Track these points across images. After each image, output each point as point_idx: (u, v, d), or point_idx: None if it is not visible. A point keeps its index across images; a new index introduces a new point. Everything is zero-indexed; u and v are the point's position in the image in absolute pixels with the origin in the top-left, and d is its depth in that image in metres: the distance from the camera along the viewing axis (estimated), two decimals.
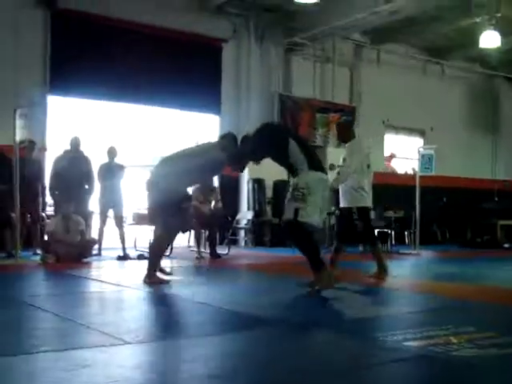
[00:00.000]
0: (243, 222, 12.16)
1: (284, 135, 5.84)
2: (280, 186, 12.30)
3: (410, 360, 3.19)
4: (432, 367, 3.09)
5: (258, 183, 12.18)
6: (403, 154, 14.84)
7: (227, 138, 6.20)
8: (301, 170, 5.46)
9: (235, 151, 5.98)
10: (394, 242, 11.61)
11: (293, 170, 5.56)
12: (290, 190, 5.52)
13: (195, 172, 6.05)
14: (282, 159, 5.64)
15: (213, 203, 9.80)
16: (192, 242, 10.28)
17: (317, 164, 5.62)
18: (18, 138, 8.13)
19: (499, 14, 11.52)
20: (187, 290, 5.87)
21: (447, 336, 3.62)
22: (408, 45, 14.12)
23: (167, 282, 6.11)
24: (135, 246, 9.79)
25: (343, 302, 5.27)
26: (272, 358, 3.19)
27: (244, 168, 6.70)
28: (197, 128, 12.46)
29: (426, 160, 11.05)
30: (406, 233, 12.29)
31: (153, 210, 6.30)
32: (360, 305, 5.22)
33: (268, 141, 5.75)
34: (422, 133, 15.13)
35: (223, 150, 5.97)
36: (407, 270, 8.87)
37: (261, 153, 5.80)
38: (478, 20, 11.90)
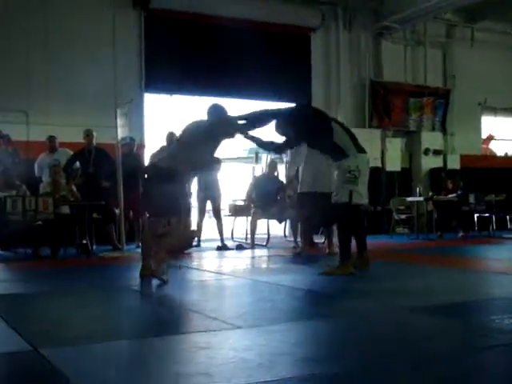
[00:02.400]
0: None
1: (327, 118, 5.83)
2: (374, 174, 12.17)
3: None
4: None
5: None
6: (502, 135, 14.26)
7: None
8: (349, 152, 5.55)
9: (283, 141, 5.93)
10: (495, 226, 11.23)
11: (339, 153, 5.58)
12: (341, 172, 5.60)
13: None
14: (326, 143, 5.62)
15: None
16: (288, 232, 10.35)
17: (361, 146, 5.73)
18: (119, 136, 8.48)
19: None
20: (287, 277, 5.92)
21: None
22: (504, 21, 13.49)
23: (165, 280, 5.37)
24: (232, 237, 9.98)
25: (449, 284, 5.15)
26: (374, 342, 3.19)
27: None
28: None
29: None
30: (507, 217, 11.83)
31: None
32: (469, 287, 5.09)
33: (312, 124, 5.70)
34: None
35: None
36: (510, 254, 8.55)
37: (300, 137, 5.79)
38: None
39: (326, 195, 6.46)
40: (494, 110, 14.20)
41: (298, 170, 8.32)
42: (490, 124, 14.27)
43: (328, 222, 7.74)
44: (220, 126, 5.71)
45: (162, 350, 3.09)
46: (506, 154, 14.14)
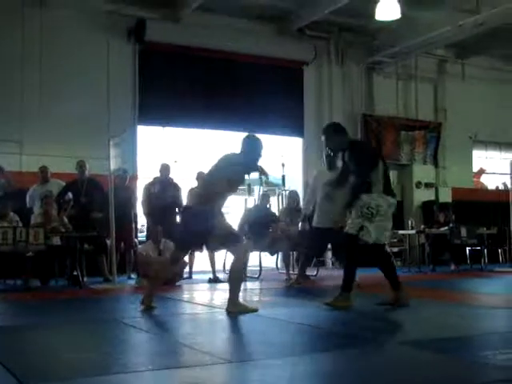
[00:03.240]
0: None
1: (377, 155, 6.03)
2: None
3: None
4: None
5: None
6: (494, 169, 14.37)
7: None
8: (375, 190, 5.60)
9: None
10: (487, 259, 11.23)
11: (365, 189, 5.61)
12: (358, 206, 5.59)
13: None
14: (363, 176, 5.64)
15: (300, 224, 9.81)
16: (280, 264, 10.31)
17: (390, 189, 5.81)
18: (112, 167, 8.48)
19: None
20: (280, 310, 5.89)
21: None
22: (494, 57, 13.73)
23: (255, 309, 5.58)
24: (224, 269, 9.91)
25: (437, 319, 5.12)
26: (367, 378, 3.16)
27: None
28: (281, 151, 12.57)
29: None
30: (499, 250, 11.85)
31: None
32: (457, 322, 5.06)
33: (365, 157, 5.75)
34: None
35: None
36: (503, 288, 8.55)
37: (354, 167, 5.72)
38: None
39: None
40: (485, 144, 14.35)
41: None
42: (481, 158, 14.39)
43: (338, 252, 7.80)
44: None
45: None
46: (497, 187, 14.23)
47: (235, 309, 5.44)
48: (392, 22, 9.99)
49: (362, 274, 6.57)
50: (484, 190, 13.95)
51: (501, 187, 14.01)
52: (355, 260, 5.76)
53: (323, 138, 6.06)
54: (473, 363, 3.43)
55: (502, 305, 6.29)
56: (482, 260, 11.05)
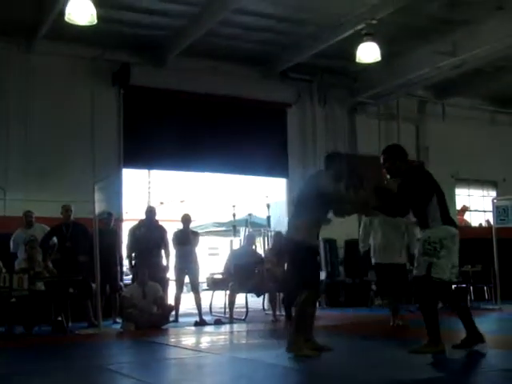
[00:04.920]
0: None
1: (433, 184, 5.56)
2: (352, 246, 12.26)
3: None
4: None
5: (330, 243, 12.14)
6: (476, 206, 14.51)
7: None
8: (433, 222, 5.31)
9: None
10: (473, 297, 11.25)
11: (424, 222, 5.38)
12: (420, 242, 5.36)
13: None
14: (419, 209, 5.41)
15: (286, 265, 9.82)
16: (267, 305, 10.27)
17: (449, 218, 5.47)
18: (96, 210, 8.48)
19: None
20: (267, 353, 5.85)
21: None
22: (473, 97, 14.00)
23: (318, 355, 5.30)
24: (211, 311, 9.87)
25: (422, 361, 5.08)
26: None
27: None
28: (266, 191, 12.66)
29: (501, 211, 10.80)
30: (485, 288, 11.88)
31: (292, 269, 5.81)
32: (448, 362, 5.05)
33: (423, 183, 5.45)
34: (494, 184, 14.81)
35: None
36: (489, 327, 8.53)
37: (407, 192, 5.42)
38: None
39: (400, 266, 6.41)
40: (467, 182, 14.52)
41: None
42: (464, 196, 14.55)
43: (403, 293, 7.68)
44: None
45: None
46: (480, 224, 14.35)
47: (296, 351, 5.25)
48: (373, 64, 10.19)
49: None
50: (468, 228, 14.06)
51: (484, 224, 14.13)
52: (431, 302, 5.30)
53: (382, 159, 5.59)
54: None
55: (488, 344, 6.28)
56: (468, 298, 11.07)
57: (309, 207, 5.37)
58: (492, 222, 11.29)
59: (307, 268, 5.39)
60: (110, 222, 9.44)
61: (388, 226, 7.51)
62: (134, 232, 9.37)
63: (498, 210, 10.82)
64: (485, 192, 14.88)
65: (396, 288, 7.63)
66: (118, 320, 8.88)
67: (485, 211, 13.89)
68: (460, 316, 5.41)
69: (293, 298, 9.18)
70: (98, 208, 8.52)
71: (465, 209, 14.34)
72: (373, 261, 7.86)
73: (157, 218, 9.71)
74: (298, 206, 5.56)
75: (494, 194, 14.47)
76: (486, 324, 8.71)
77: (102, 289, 8.59)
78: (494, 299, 11.00)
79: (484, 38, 9.81)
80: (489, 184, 14.87)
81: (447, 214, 5.45)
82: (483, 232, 12.59)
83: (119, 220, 10.38)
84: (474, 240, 12.50)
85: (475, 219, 14.65)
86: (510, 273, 12.90)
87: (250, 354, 5.82)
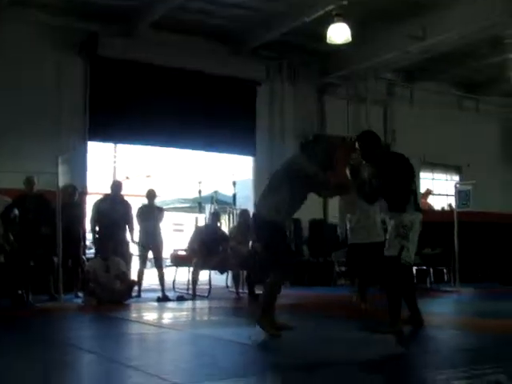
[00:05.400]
0: None
1: (412, 169, 5.66)
2: (316, 226, 12.36)
3: None
4: None
5: (294, 223, 12.19)
6: (440, 190, 14.73)
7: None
8: (409, 206, 5.45)
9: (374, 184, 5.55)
10: (433, 279, 11.47)
11: (401, 206, 5.47)
12: (395, 225, 5.46)
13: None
14: (400, 191, 5.48)
15: (250, 243, 9.86)
16: (230, 282, 10.31)
17: (418, 205, 5.67)
18: (60, 183, 8.36)
19: None
20: (228, 330, 5.89)
21: (493, 374, 3.57)
22: (441, 81, 14.15)
23: (279, 334, 5.20)
24: (174, 287, 9.87)
25: (382, 341, 5.18)
26: None
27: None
28: (233, 169, 12.64)
29: (463, 196, 10.99)
30: (444, 270, 12.11)
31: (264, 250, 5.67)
32: (401, 343, 5.15)
33: (403, 169, 5.55)
34: (458, 169, 15.04)
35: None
36: (448, 308, 8.75)
37: (386, 178, 5.49)
38: (511, 56, 11.92)
39: (378, 245, 6.39)
40: (432, 166, 14.71)
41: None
42: (429, 179, 14.74)
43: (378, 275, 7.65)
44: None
45: None
46: (443, 208, 14.58)
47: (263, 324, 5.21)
48: (343, 45, 10.19)
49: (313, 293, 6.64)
50: (430, 211, 14.26)
51: (446, 208, 14.36)
52: (398, 283, 5.45)
53: (357, 145, 5.69)
54: (412, 382, 3.51)
55: (445, 324, 6.43)
56: (428, 280, 11.28)
57: (288, 188, 5.27)
58: (454, 206, 11.49)
59: (281, 249, 5.34)
60: (74, 195, 9.31)
61: (366, 205, 7.36)
62: (98, 205, 9.27)
63: (460, 195, 11.01)
64: (448, 176, 15.10)
65: (369, 269, 7.65)
66: (80, 294, 8.82)
67: (448, 195, 14.10)
68: (406, 297, 5.54)
69: (257, 276, 9.29)
70: (62, 181, 8.41)
71: (428, 192, 14.52)
72: (349, 241, 7.76)
73: (122, 192, 9.63)
74: (276, 185, 5.39)
75: (457, 178, 14.70)
76: (444, 305, 8.94)
77: (64, 262, 8.50)
78: (452, 281, 11.22)
79: (453, 24, 9.90)
80: (453, 169, 15.10)
81: (417, 202, 5.66)
82: (445, 216, 12.79)
83: (83, 193, 10.25)
84: (436, 223, 12.69)
85: (438, 203, 14.87)
86: (469, 256, 13.22)
87: (211, 330, 5.85)
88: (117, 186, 9.56)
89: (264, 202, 5.45)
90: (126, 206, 9.40)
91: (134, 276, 9.22)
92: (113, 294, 8.22)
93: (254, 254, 9.59)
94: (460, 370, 3.76)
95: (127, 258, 9.21)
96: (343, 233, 7.88)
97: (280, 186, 5.32)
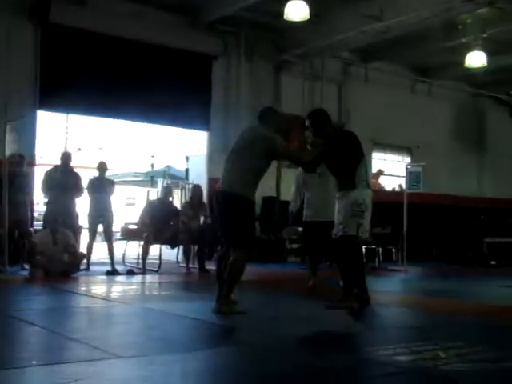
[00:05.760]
0: None
1: (361, 147, 5.71)
2: (269, 203, 12.39)
3: (401, 374, 3.22)
4: (422, 381, 3.13)
5: None
6: (391, 171, 14.95)
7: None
8: (359, 184, 5.48)
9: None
10: (381, 258, 11.67)
11: (351, 183, 5.51)
12: (348, 203, 5.47)
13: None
14: (350, 169, 5.51)
15: (202, 218, 9.84)
16: (181, 257, 10.27)
17: (368, 182, 5.74)
18: (7, 151, 8.14)
19: (485, 35, 11.72)
20: (177, 305, 5.88)
21: (436, 351, 3.67)
22: (396, 63, 14.29)
23: (243, 312, 5.13)
24: (124, 261, 9.78)
25: (330, 317, 5.27)
26: (260, 374, 3.22)
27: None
28: (186, 144, 12.54)
29: (413, 177, 11.16)
30: (393, 250, 12.34)
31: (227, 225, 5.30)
32: (348, 320, 5.24)
33: (353, 147, 5.59)
34: (409, 150, 15.27)
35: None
36: (395, 286, 8.93)
37: (336, 155, 5.54)
38: (464, 40, 12.10)
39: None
40: (384, 147, 14.89)
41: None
42: (381, 160, 14.93)
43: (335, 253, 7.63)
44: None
45: (33, 381, 2.94)
46: (394, 189, 14.81)
47: (224, 309, 5.06)
48: (300, 22, 10.15)
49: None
50: (380, 192, 14.47)
51: (397, 189, 14.59)
52: (356, 261, 5.57)
53: (308, 123, 5.66)
54: (357, 359, 3.57)
55: (391, 303, 6.56)
56: (377, 259, 11.48)
57: (257, 161, 5.13)
58: (404, 187, 11.68)
59: (247, 225, 5.20)
60: (22, 164, 9.08)
61: (323, 183, 7.30)
62: (49, 175, 9.06)
63: (411, 176, 11.18)
64: (400, 157, 15.33)
65: (323, 247, 7.67)
66: (26, 266, 8.65)
67: (398, 176, 14.32)
68: (357, 274, 5.65)
69: (209, 251, 9.28)
70: (9, 149, 8.20)
71: (380, 173, 14.71)
72: (305, 218, 7.71)
73: (73, 164, 9.45)
74: (244, 158, 5.16)
75: (408, 160, 14.92)
76: (391, 284, 9.12)
77: (10, 233, 8.31)
78: (400, 261, 11.45)
79: (409, 6, 9.96)
80: (404, 150, 15.32)
81: (368, 179, 5.74)
82: (395, 196, 13.00)
83: (32, 164, 10.01)
84: (387, 204, 12.92)
85: (389, 184, 15.10)
86: (417, 236, 13.52)
87: (160, 305, 5.82)
88: (66, 156, 9.36)
89: (234, 177, 5.17)
90: (76, 178, 9.23)
91: (83, 249, 9.09)
92: (60, 267, 8.09)
93: (207, 229, 9.60)
94: (403, 346, 3.84)
95: (76, 230, 9.06)
96: (294, 211, 7.88)
97: (249, 160, 5.13)
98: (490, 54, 12.27)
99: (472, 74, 14.40)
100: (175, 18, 11.63)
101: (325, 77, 13.42)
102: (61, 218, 8.43)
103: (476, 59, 12.19)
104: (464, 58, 12.33)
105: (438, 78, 15.10)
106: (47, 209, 9.02)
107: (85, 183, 9.29)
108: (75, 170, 9.46)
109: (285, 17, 9.80)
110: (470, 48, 12.17)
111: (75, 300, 6.40)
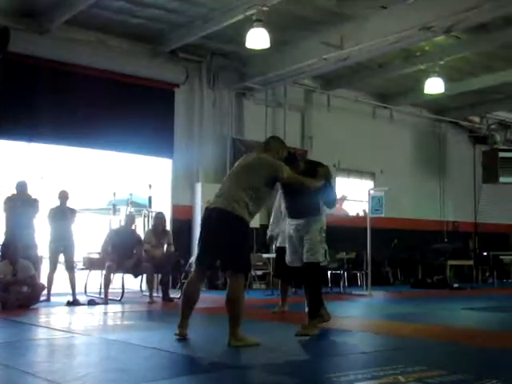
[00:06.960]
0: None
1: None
2: None
3: None
4: None
5: None
6: (354, 196, 15.08)
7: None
8: (321, 210, 5.73)
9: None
10: (346, 283, 11.71)
11: (317, 210, 5.69)
12: (316, 229, 5.62)
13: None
14: (317, 196, 5.65)
15: (165, 246, 9.76)
16: (144, 286, 10.14)
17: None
18: None
19: (442, 62, 12.02)
20: (139, 335, 5.78)
21: (396, 375, 3.67)
22: (357, 90, 14.52)
23: (258, 343, 4.91)
24: (85, 292, 9.61)
25: (293, 344, 5.25)
26: None
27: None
28: (149, 171, 12.46)
29: (376, 202, 11.25)
30: (358, 274, 12.40)
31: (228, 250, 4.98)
32: (310, 346, 5.21)
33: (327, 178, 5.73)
34: (372, 175, 15.44)
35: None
36: (359, 311, 8.94)
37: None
38: (422, 67, 12.39)
39: None
40: (348, 172, 15.04)
41: None
42: (343, 185, 15.05)
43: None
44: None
45: None
46: (358, 213, 14.94)
47: (238, 342, 4.81)
48: (262, 50, 10.25)
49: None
50: (344, 216, 14.57)
51: (361, 214, 14.71)
52: (321, 286, 5.80)
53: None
54: None
55: (354, 328, 6.56)
56: (342, 283, 11.51)
57: (255, 181, 4.99)
58: (367, 212, 11.78)
59: (245, 249, 5.12)
60: None
61: None
62: (8, 203, 8.91)
63: (373, 201, 11.28)
64: (363, 182, 15.49)
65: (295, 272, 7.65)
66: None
67: (362, 201, 14.44)
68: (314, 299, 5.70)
69: (172, 278, 9.15)
70: None
71: (343, 198, 14.82)
72: (278, 244, 7.70)
73: (34, 192, 9.32)
74: (244, 182, 4.98)
75: (372, 184, 15.09)
76: (354, 309, 9.14)
77: None
78: (365, 285, 11.50)
79: (368, 34, 10.13)
80: (367, 175, 15.48)
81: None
82: (359, 221, 13.10)
83: None
84: (350, 228, 13.03)
85: (353, 209, 15.22)
86: (381, 261, 13.64)
87: (121, 335, 5.72)
88: (21, 185, 9.22)
89: (231, 197, 4.93)
90: (34, 202, 9.11)
91: (43, 280, 8.91)
92: (19, 299, 7.90)
93: (171, 257, 9.53)
94: (364, 371, 3.84)
95: (36, 260, 8.89)
96: (275, 234, 7.89)
97: (250, 180, 4.99)
98: (447, 81, 12.58)
99: (431, 100, 14.75)
100: (137, 47, 11.65)
101: (287, 104, 13.55)
102: (20, 248, 8.26)
103: (434, 85, 12.48)
104: (423, 84, 12.62)
105: (398, 103, 15.39)
106: (6, 239, 8.84)
107: (46, 212, 9.15)
108: (33, 197, 9.31)
109: (246, 45, 9.88)
110: (428, 74, 12.46)
111: (33, 332, 6.24)
